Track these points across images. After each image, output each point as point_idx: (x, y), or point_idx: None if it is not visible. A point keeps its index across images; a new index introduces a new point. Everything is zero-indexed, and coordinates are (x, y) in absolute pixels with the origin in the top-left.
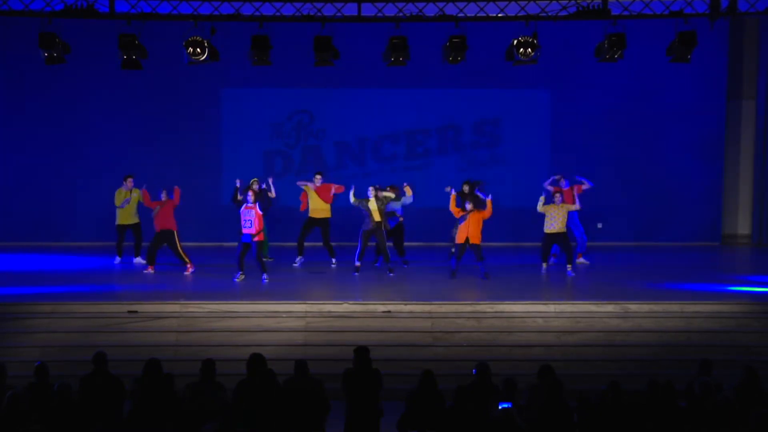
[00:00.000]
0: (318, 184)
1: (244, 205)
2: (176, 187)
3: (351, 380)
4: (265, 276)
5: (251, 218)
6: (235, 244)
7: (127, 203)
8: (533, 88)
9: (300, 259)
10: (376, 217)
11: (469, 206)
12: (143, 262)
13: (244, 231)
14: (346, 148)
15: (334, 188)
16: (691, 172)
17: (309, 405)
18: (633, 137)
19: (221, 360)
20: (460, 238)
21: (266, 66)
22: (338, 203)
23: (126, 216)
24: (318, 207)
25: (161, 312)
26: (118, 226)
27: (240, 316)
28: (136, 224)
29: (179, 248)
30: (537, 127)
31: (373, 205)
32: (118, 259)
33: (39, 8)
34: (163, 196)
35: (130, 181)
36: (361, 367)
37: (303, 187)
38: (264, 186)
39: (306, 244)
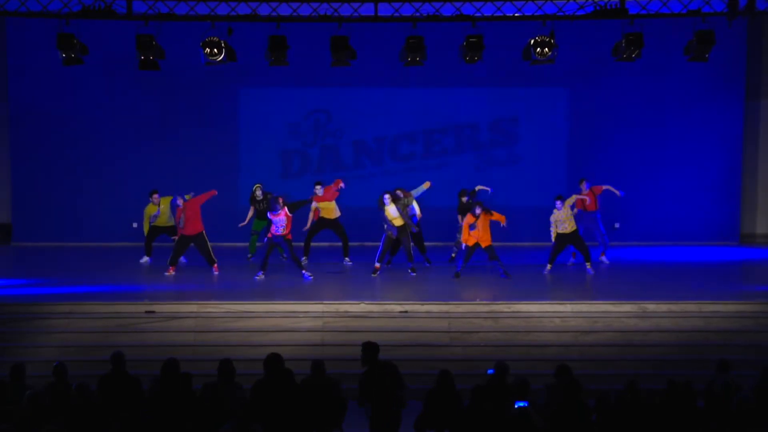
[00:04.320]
0: (320, 194)
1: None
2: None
3: (365, 378)
4: (306, 273)
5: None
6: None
7: (156, 217)
8: (550, 87)
9: (305, 260)
10: (398, 223)
11: (478, 210)
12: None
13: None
14: (364, 147)
15: (334, 187)
16: (709, 171)
17: (326, 404)
18: (650, 136)
19: (239, 360)
20: (469, 241)
21: (283, 66)
22: (350, 203)
23: (162, 220)
24: (325, 207)
25: (179, 312)
26: (153, 227)
27: (257, 316)
28: (171, 227)
29: (209, 249)
30: (554, 126)
31: (389, 213)
32: (146, 259)
33: (56, 9)
34: (180, 202)
35: (156, 197)
36: (369, 363)
37: (313, 206)
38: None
39: (312, 244)
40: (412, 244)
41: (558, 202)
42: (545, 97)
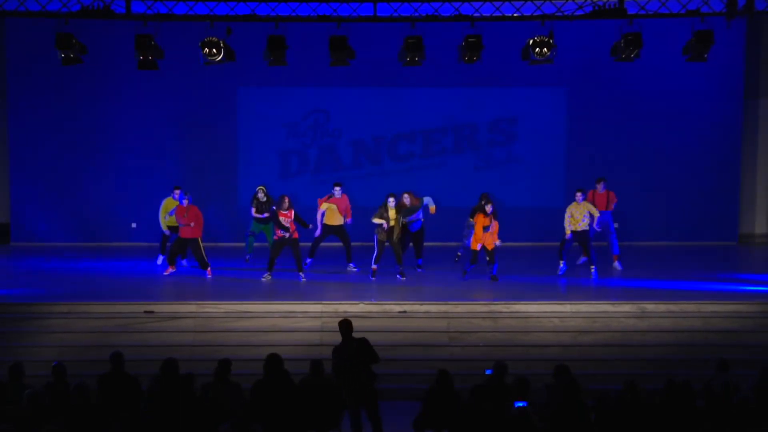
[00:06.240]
0: (338, 196)
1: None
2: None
3: (336, 352)
4: (300, 275)
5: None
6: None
7: (174, 213)
8: (549, 86)
9: (309, 261)
10: (392, 224)
11: (489, 209)
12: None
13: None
14: (362, 147)
15: (347, 207)
16: (707, 171)
17: (325, 404)
18: (649, 136)
19: (238, 360)
20: (474, 245)
21: (282, 66)
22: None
23: (173, 219)
24: (333, 215)
25: (178, 312)
26: (169, 227)
27: (256, 317)
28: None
29: (203, 253)
30: (553, 126)
31: (392, 213)
32: (162, 259)
33: (56, 9)
34: (185, 202)
35: (178, 192)
36: (344, 337)
37: (323, 205)
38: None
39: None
40: (411, 244)
41: (579, 195)
42: (544, 97)
